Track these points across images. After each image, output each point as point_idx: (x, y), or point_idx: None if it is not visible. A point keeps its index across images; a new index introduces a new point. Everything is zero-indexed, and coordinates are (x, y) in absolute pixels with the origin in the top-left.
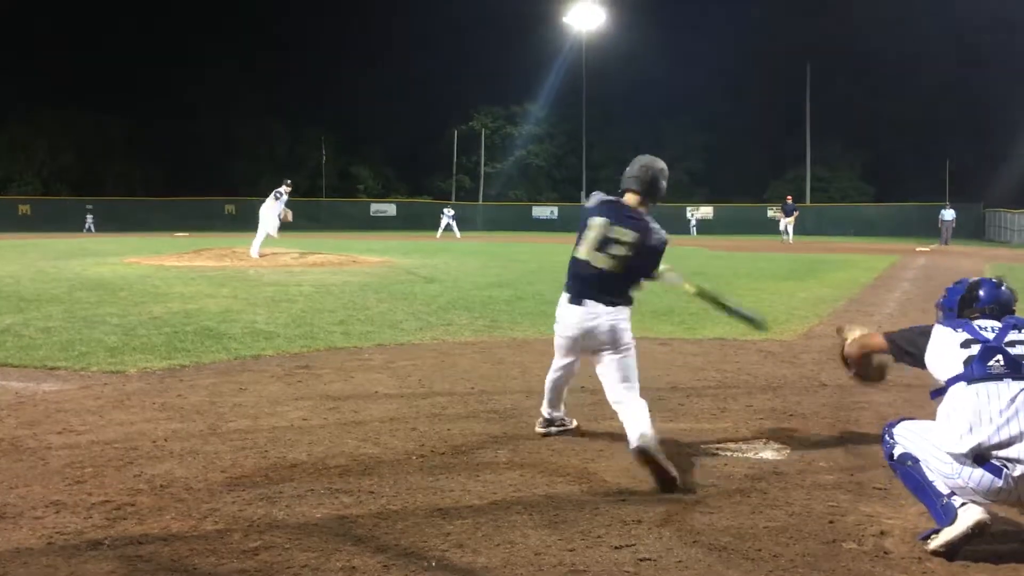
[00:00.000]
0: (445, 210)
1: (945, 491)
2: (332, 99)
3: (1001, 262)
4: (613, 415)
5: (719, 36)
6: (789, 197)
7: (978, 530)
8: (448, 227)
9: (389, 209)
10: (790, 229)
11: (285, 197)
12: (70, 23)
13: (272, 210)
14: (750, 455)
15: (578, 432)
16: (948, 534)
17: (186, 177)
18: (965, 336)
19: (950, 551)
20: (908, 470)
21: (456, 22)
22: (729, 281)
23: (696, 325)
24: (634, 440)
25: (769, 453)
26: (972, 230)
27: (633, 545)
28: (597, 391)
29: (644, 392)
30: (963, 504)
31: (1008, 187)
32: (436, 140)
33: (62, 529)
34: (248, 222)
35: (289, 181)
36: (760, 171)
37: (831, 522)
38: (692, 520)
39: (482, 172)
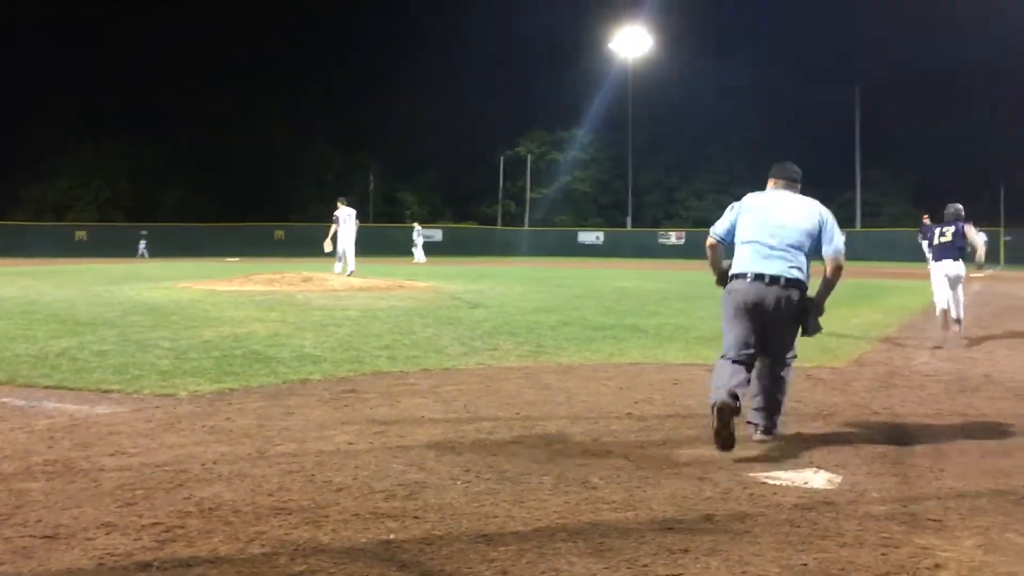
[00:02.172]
0: (417, 227)
1: None
2: (380, 125)
3: None
4: (660, 443)
5: (767, 61)
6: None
7: None
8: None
9: (435, 234)
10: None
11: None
12: (126, 55)
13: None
14: (800, 484)
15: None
16: None
17: (237, 203)
18: None
19: None
20: None
21: (503, 49)
22: None
23: None
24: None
25: (820, 482)
26: None
27: (680, 574)
28: (644, 417)
29: (692, 419)
30: None
31: None
32: (482, 166)
33: (113, 551)
34: (297, 247)
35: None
36: (809, 195)
37: (883, 554)
38: (740, 550)
39: (528, 197)
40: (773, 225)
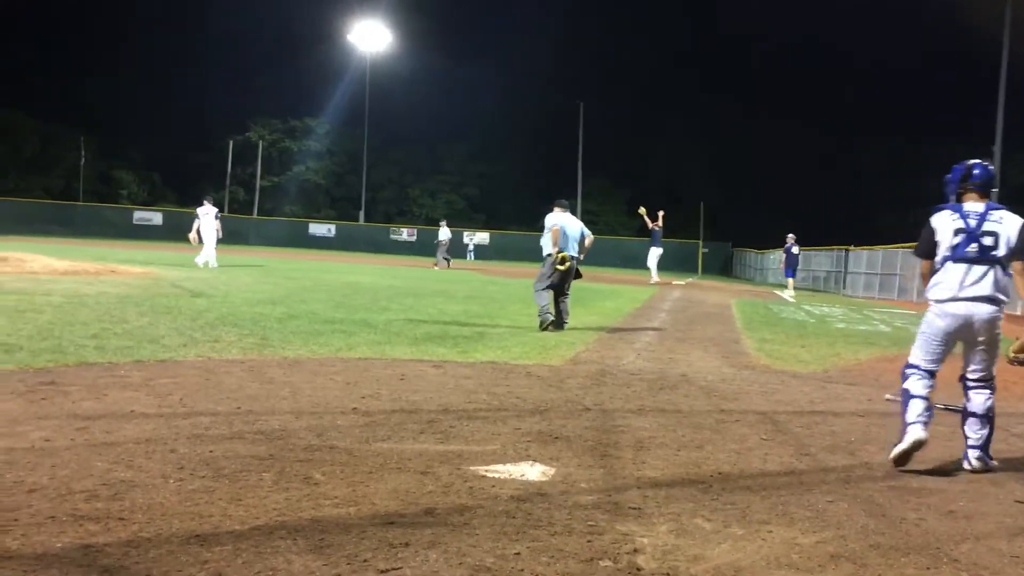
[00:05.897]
0: None
1: (911, 418)
2: (95, 97)
3: (745, 296)
4: (385, 438)
5: (500, 68)
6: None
7: (917, 446)
8: None
9: (155, 218)
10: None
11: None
12: None
13: (214, 224)
14: (516, 476)
15: None
16: (898, 448)
17: None
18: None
19: (898, 461)
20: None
21: (236, 29)
22: (503, 306)
23: (469, 348)
24: None
25: (535, 475)
26: (721, 267)
27: (400, 568)
28: (369, 412)
29: (418, 414)
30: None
31: (753, 230)
32: (210, 149)
33: None
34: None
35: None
36: (535, 201)
37: (589, 541)
38: (459, 542)
39: (258, 185)
40: (570, 231)
